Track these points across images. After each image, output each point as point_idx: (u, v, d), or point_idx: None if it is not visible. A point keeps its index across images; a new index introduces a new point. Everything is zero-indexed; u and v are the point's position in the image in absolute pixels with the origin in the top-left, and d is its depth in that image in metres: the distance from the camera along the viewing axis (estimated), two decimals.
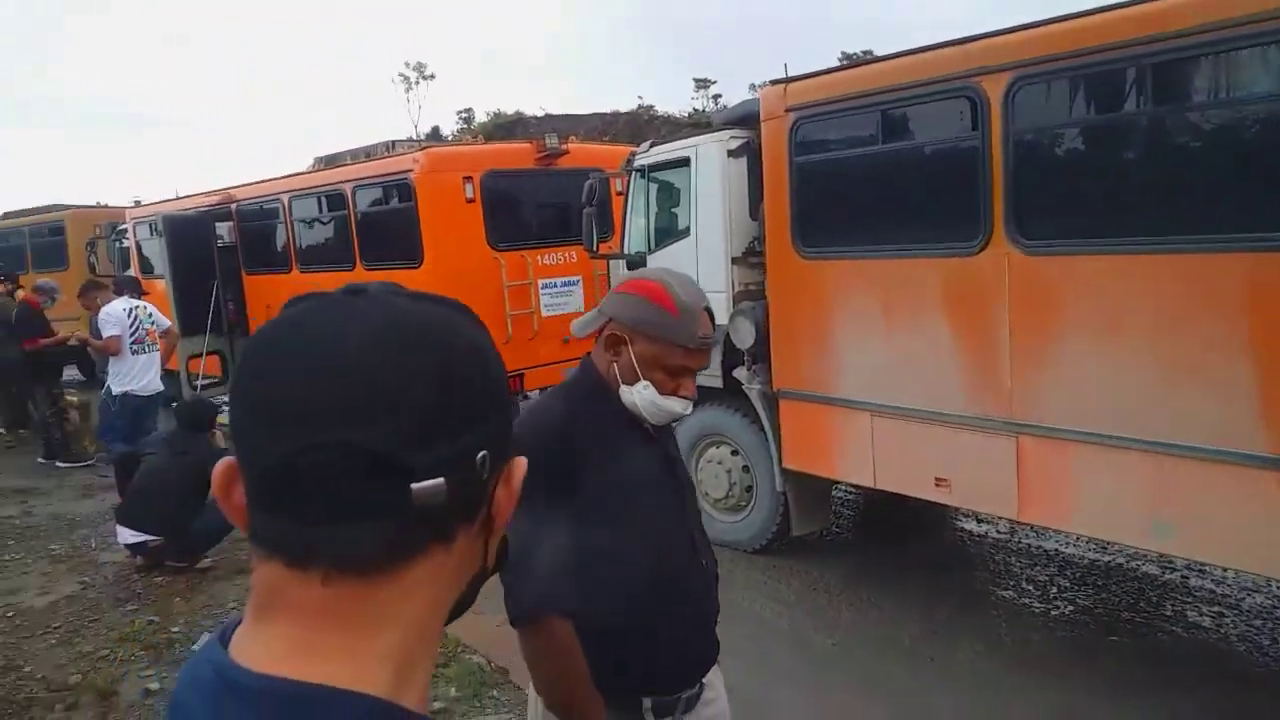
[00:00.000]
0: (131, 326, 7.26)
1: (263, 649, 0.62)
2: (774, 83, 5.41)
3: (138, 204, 13.10)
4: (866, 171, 5.02)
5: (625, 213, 6.85)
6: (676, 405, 1.74)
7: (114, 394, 7.21)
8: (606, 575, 1.67)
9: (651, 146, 6.63)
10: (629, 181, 6.83)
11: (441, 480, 0.62)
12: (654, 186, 6.65)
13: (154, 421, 7.50)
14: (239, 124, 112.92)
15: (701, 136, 6.14)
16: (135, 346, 7.27)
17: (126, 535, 5.48)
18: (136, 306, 7.44)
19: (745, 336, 5.61)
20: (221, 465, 0.66)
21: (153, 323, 7.50)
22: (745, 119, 6.07)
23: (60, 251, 14.27)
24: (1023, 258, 4.17)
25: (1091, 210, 4.08)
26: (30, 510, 7.40)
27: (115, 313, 7.28)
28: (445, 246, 7.73)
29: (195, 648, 4.46)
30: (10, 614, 5.11)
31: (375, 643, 0.63)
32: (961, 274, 4.45)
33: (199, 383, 10.04)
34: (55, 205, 15.35)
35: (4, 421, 10.61)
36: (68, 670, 4.34)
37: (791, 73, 5.38)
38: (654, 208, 6.65)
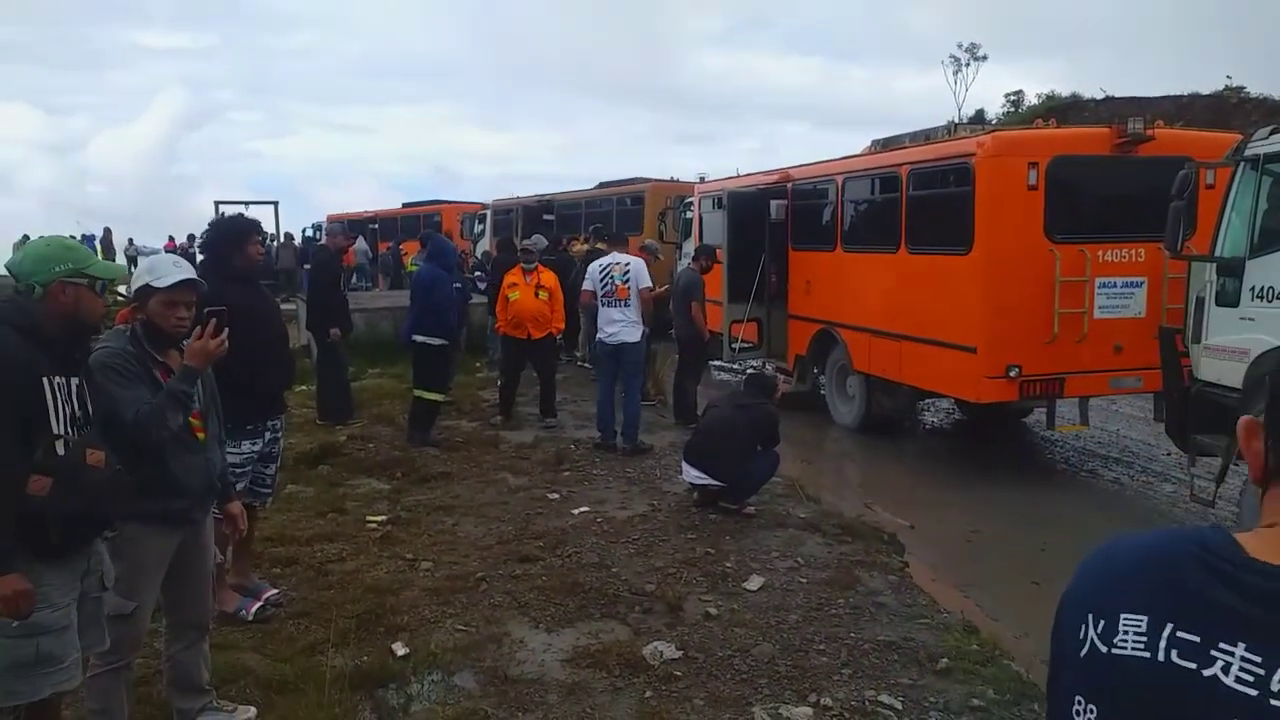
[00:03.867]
0: (602, 282, 8.25)
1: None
2: None
3: (703, 180, 14.73)
4: None
5: (1223, 208, 6.02)
6: None
7: (594, 339, 8.37)
8: None
9: (1272, 133, 5.71)
10: (1234, 173, 5.98)
11: None
12: (1266, 180, 5.74)
13: (635, 364, 8.29)
14: (796, 107, 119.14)
15: None
16: (605, 300, 8.25)
17: (692, 474, 6.32)
18: (612, 264, 8.32)
19: None
20: (1245, 421, 0.92)
21: (625, 280, 8.17)
22: None
23: (638, 218, 16.65)
24: None
25: None
26: None
27: (591, 270, 8.41)
28: (998, 234, 7.49)
29: (747, 586, 5.01)
30: (599, 520, 6.21)
31: None
32: None
33: (737, 345, 11.08)
34: (638, 178, 17.90)
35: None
36: (644, 578, 5.15)
37: None
38: (1263, 205, 5.75)
